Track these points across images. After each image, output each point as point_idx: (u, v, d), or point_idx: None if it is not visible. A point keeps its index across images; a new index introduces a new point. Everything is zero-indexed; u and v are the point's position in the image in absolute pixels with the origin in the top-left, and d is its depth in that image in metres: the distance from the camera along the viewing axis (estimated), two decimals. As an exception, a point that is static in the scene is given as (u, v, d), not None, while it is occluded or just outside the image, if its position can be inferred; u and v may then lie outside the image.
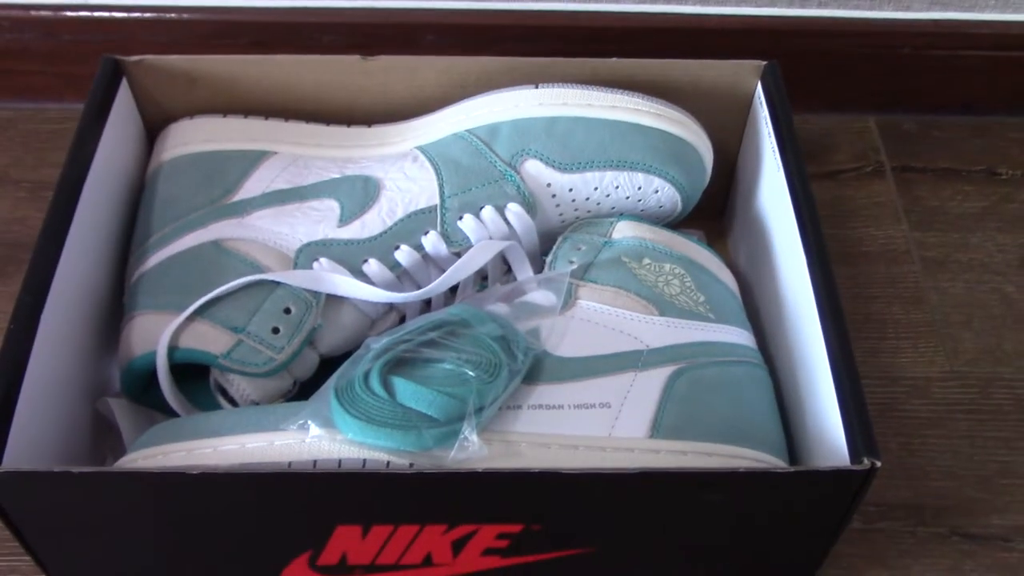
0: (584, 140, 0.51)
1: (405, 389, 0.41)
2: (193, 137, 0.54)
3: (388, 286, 0.50)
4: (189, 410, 0.48)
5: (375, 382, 0.41)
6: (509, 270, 0.52)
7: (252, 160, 0.52)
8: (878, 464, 0.40)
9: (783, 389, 0.50)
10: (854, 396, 0.43)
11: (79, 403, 0.48)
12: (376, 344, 0.44)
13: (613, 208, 0.53)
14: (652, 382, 0.45)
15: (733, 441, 0.45)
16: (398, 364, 0.43)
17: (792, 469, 0.42)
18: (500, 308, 0.48)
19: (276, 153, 0.53)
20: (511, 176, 0.51)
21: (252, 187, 0.51)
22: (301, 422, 0.41)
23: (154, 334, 0.47)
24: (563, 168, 0.51)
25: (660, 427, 0.44)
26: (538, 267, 0.52)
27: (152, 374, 0.47)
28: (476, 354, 0.43)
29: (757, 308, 0.54)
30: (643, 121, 0.52)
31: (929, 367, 0.57)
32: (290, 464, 0.40)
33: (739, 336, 0.50)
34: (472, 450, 0.40)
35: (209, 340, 0.46)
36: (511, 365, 0.43)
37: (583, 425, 0.44)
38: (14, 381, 0.41)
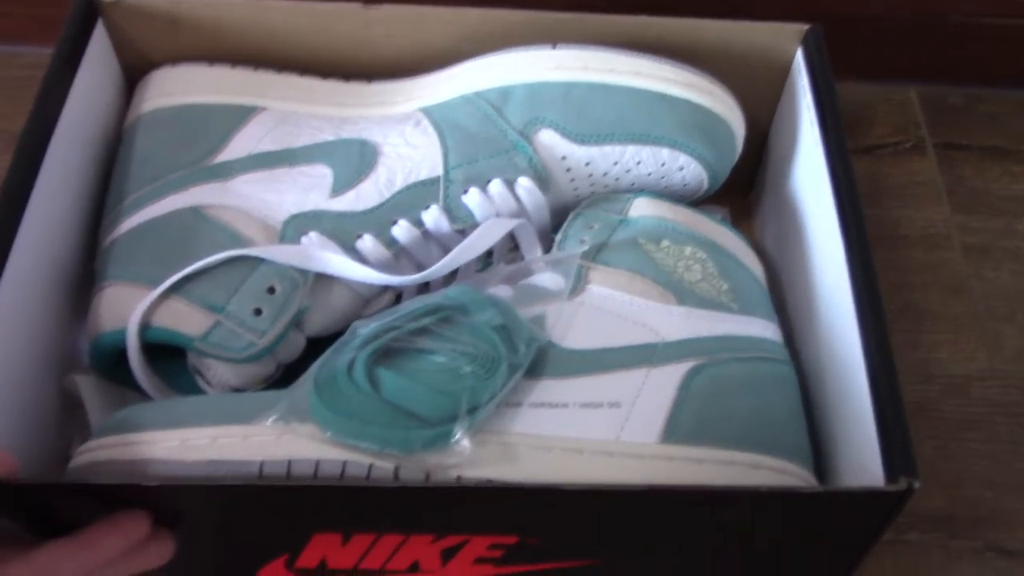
0: (604, 110, 0.46)
1: (392, 384, 0.37)
2: (175, 87, 0.49)
3: (384, 265, 0.45)
4: (163, 391, 0.44)
5: (360, 374, 0.37)
6: (516, 247, 0.48)
7: (239, 116, 0.48)
8: (916, 485, 0.36)
9: (810, 389, 0.46)
10: (892, 405, 0.39)
11: (45, 377, 0.44)
12: (364, 329, 0.40)
13: (633, 184, 0.49)
14: (667, 379, 0.41)
15: (754, 448, 0.40)
16: (386, 354, 0.38)
17: (819, 489, 0.39)
18: (503, 291, 0.44)
19: (265, 109, 0.48)
20: (523, 147, 0.46)
21: (237, 147, 0.47)
22: (276, 416, 0.37)
23: (125, 308, 0.43)
24: (580, 140, 0.46)
25: (674, 431, 0.40)
26: (547, 245, 0.48)
27: (123, 351, 0.43)
28: (473, 345, 0.39)
29: (784, 298, 0.50)
30: (670, 91, 0.47)
31: (968, 364, 0.53)
32: (262, 464, 0.36)
33: (764, 329, 0.45)
34: (464, 456, 0.36)
35: (184, 320, 0.42)
36: (511, 358, 0.39)
37: (589, 427, 0.39)
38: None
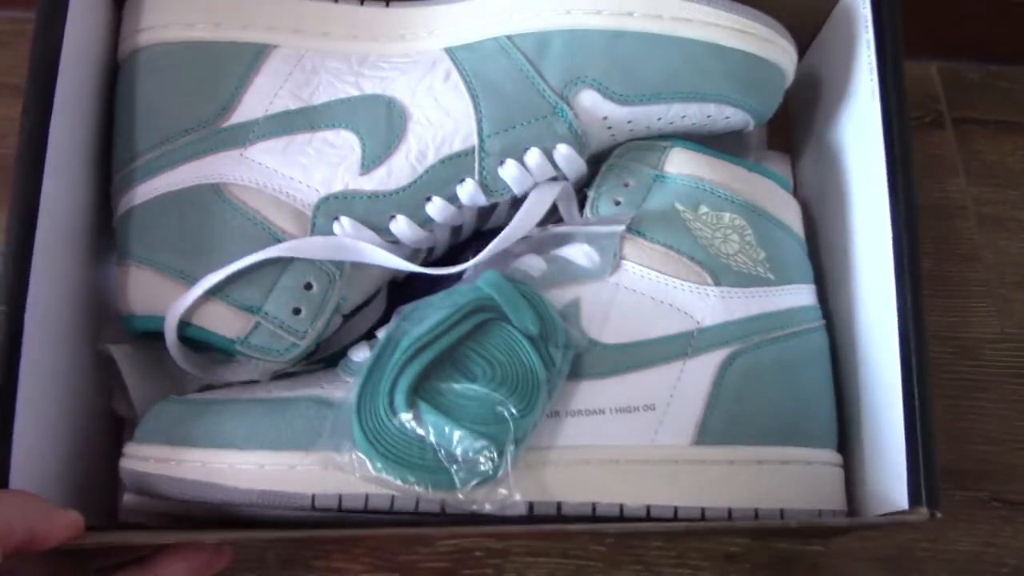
0: (651, 67, 0.42)
1: (435, 426, 0.37)
2: (171, 16, 0.44)
3: (419, 242, 0.44)
4: (202, 366, 0.44)
5: (401, 407, 0.38)
6: (555, 209, 0.46)
7: (248, 60, 0.43)
8: (938, 515, 0.39)
9: (840, 352, 0.46)
10: (922, 410, 0.40)
11: (80, 314, 0.43)
12: (404, 339, 0.39)
13: (675, 133, 0.46)
14: (702, 374, 0.42)
15: (784, 440, 0.42)
16: (426, 376, 0.39)
17: (843, 523, 0.41)
18: (535, 265, 0.43)
19: (276, 47, 0.44)
20: (563, 111, 0.43)
21: (251, 103, 0.43)
22: (321, 444, 0.38)
23: (155, 299, 0.42)
24: (624, 100, 0.43)
25: (707, 431, 0.41)
26: (579, 199, 0.46)
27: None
28: (511, 366, 0.39)
29: (819, 252, 0.48)
30: (723, 41, 0.43)
31: (981, 328, 0.55)
32: (314, 496, 0.37)
33: (798, 295, 0.45)
34: (508, 485, 0.38)
35: (223, 322, 0.41)
36: (549, 377, 0.39)
37: (625, 433, 0.40)
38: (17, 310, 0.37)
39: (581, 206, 0.46)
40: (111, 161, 0.44)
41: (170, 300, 0.41)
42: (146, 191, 0.43)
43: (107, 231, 0.45)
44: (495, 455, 0.37)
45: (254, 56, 0.44)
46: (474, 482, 0.37)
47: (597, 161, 0.46)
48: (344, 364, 0.42)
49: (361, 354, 0.42)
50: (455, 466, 0.37)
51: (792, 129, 0.54)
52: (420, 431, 0.37)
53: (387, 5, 0.46)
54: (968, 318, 0.55)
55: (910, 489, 0.39)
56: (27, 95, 0.39)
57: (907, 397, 0.40)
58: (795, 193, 0.50)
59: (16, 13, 0.57)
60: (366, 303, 0.46)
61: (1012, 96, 0.61)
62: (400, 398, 0.38)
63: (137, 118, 0.43)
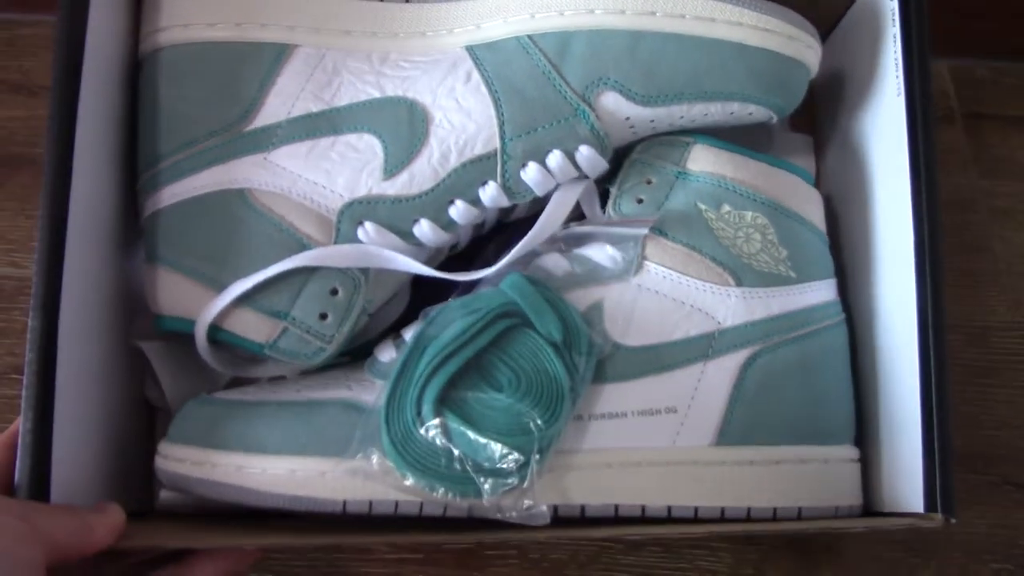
0: (675, 68, 0.42)
1: (461, 437, 0.38)
2: (191, 15, 0.44)
3: (442, 243, 0.44)
4: (233, 364, 0.45)
5: (429, 417, 0.39)
6: (577, 204, 0.46)
7: (270, 61, 0.43)
8: (953, 521, 0.39)
9: (858, 344, 0.47)
10: (940, 434, 0.41)
11: (112, 306, 0.44)
12: (430, 347, 0.40)
13: (697, 128, 0.46)
14: (722, 376, 0.42)
15: (802, 439, 0.43)
16: (453, 385, 0.39)
17: (858, 527, 0.42)
18: (558, 265, 0.43)
19: (296, 48, 0.44)
20: (584, 113, 0.43)
21: (274, 106, 0.43)
22: (352, 457, 0.39)
23: (185, 302, 0.42)
24: (646, 101, 0.43)
25: (727, 432, 0.42)
26: (600, 193, 0.46)
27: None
28: (535, 375, 0.40)
29: (841, 245, 0.48)
30: (747, 40, 0.42)
31: (990, 316, 0.56)
32: (345, 503, 0.39)
33: (819, 292, 0.45)
34: (535, 508, 0.39)
35: (251, 327, 0.42)
36: (573, 385, 0.40)
37: (646, 435, 0.41)
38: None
39: (603, 200, 0.46)
40: (135, 158, 0.45)
41: (199, 304, 0.42)
42: (172, 194, 0.43)
43: (134, 222, 0.45)
44: (520, 465, 0.38)
45: (275, 57, 0.43)
46: (500, 491, 0.38)
47: (619, 155, 0.46)
48: (371, 364, 0.43)
49: (387, 354, 0.43)
50: (482, 476, 0.38)
51: (815, 114, 0.54)
52: (447, 442, 0.38)
53: (407, 1, 0.45)
54: (978, 307, 0.56)
55: (926, 492, 0.40)
56: (52, 96, 0.39)
57: (925, 396, 0.41)
58: (818, 184, 0.50)
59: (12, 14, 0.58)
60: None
61: (1021, 92, 0.62)
62: (427, 408, 0.39)
63: (160, 119, 0.43)
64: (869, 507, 0.45)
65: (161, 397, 0.47)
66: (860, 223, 0.47)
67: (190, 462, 0.40)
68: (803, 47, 0.43)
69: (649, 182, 0.45)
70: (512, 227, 0.48)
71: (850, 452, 0.44)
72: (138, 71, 0.45)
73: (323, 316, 0.42)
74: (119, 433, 0.44)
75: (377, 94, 0.43)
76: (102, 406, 0.42)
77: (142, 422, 0.48)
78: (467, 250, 0.49)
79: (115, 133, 0.44)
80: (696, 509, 0.41)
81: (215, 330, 0.42)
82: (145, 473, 0.47)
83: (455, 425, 0.38)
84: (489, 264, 0.49)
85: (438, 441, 0.38)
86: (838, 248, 0.48)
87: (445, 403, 0.39)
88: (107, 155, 0.43)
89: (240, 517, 0.44)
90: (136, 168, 0.44)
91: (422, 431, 0.38)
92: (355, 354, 0.46)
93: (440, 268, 0.45)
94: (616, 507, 0.41)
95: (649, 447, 0.41)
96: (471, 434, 0.38)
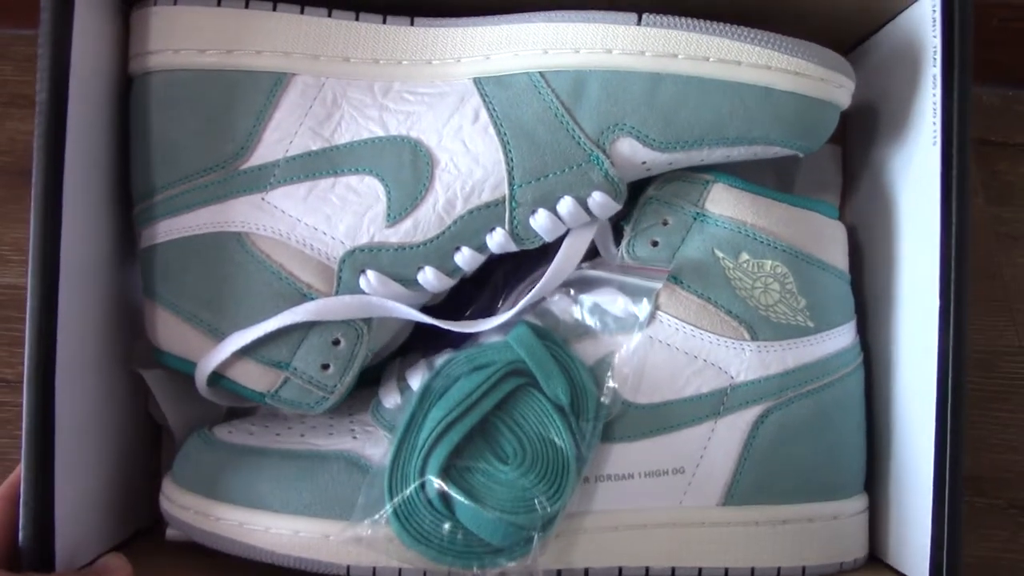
0: (696, 113, 0.39)
1: (465, 512, 0.38)
2: (183, 40, 0.41)
3: (446, 288, 0.42)
4: (237, 399, 0.44)
5: (432, 490, 0.38)
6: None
7: (265, 92, 0.41)
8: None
9: (874, 381, 0.45)
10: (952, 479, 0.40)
11: (111, 327, 0.43)
12: (434, 410, 0.39)
13: (717, 165, 0.43)
14: (733, 434, 0.41)
15: (811, 496, 0.42)
16: (457, 453, 0.39)
17: None
18: (568, 308, 0.42)
19: (294, 77, 0.41)
20: (598, 160, 0.40)
21: (270, 142, 0.41)
22: (357, 522, 0.38)
23: (184, 344, 0.42)
24: (665, 148, 0.40)
25: (734, 493, 0.41)
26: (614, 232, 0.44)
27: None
28: (541, 445, 0.39)
29: (863, 279, 0.47)
30: (776, 85, 0.39)
31: (997, 341, 0.55)
32: (349, 568, 0.39)
33: (837, 339, 0.43)
34: (537, 559, 0.38)
35: (252, 378, 0.41)
36: (579, 454, 0.39)
37: (653, 497, 0.41)
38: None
39: (616, 236, 0.44)
40: (129, 184, 0.43)
41: (199, 349, 0.41)
42: (167, 230, 0.41)
43: (129, 239, 0.44)
44: (523, 541, 0.38)
45: (271, 87, 0.41)
46: (502, 565, 0.38)
47: (633, 187, 0.44)
48: (375, 408, 0.42)
49: (392, 399, 0.42)
50: (483, 550, 0.38)
51: (844, 123, 0.51)
52: (450, 514, 0.38)
53: (412, 23, 0.42)
54: (986, 332, 0.56)
55: (932, 565, 0.40)
56: (40, 116, 0.37)
57: (939, 448, 0.40)
58: (843, 202, 0.48)
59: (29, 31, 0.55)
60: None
61: (1029, 121, 0.60)
62: (430, 481, 0.38)
63: (153, 149, 0.41)
64: (873, 550, 0.45)
65: (164, 416, 0.47)
66: (884, 257, 0.45)
67: (194, 511, 0.40)
68: (834, 88, 0.40)
69: (665, 223, 0.43)
70: (519, 256, 0.46)
71: (859, 504, 0.44)
72: (128, 87, 0.43)
73: (325, 367, 0.41)
74: (123, 459, 0.44)
75: (380, 132, 0.41)
76: (103, 435, 0.42)
77: (148, 437, 0.48)
78: (475, 273, 0.47)
79: (106, 153, 0.42)
80: (700, 570, 0.41)
81: (216, 377, 0.42)
82: (150, 490, 0.47)
83: (458, 497, 0.38)
84: (497, 290, 0.47)
85: (441, 513, 0.38)
86: (860, 280, 0.46)
87: (449, 474, 0.38)
88: (98, 175, 0.41)
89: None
90: (130, 190, 0.43)
91: (425, 502, 0.38)
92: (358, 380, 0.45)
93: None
94: (620, 569, 0.41)
95: (655, 507, 0.41)
96: (474, 510, 0.38)
